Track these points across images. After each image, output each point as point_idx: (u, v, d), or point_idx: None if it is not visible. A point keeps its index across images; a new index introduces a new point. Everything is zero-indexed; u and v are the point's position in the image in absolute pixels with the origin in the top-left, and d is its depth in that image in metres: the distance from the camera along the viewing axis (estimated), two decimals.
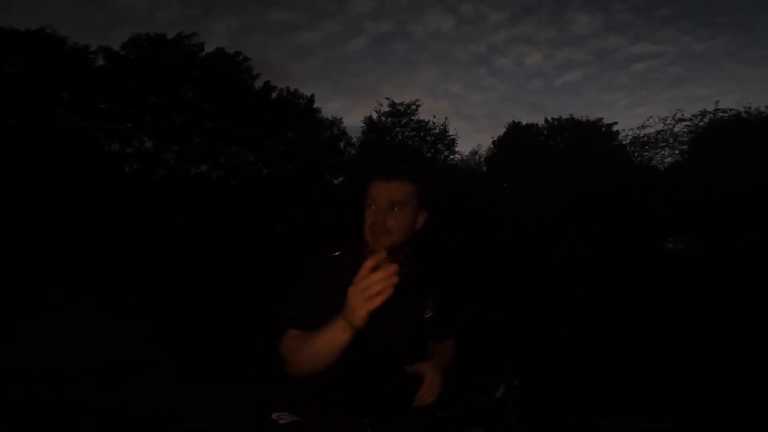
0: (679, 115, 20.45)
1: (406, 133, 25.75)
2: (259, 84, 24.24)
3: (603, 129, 25.08)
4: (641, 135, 21.30)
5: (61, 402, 4.13)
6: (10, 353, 5.75)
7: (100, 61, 22.07)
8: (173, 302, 11.57)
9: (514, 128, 26.72)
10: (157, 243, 18.68)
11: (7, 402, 4.03)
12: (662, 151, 21.25)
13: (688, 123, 20.34)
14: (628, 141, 22.12)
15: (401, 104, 25.50)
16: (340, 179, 24.84)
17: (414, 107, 25.54)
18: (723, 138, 18.19)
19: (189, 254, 18.17)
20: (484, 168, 26.69)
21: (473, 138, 49.37)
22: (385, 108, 25.48)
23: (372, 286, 1.04)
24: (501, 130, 28.70)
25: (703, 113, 20.08)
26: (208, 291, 14.17)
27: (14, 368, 5.20)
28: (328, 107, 58.35)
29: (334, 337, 1.14)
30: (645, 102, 46.21)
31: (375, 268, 1.05)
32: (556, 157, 22.78)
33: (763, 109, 19.57)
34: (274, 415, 1.40)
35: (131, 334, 7.44)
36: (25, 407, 3.94)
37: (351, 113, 50.65)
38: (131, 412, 3.95)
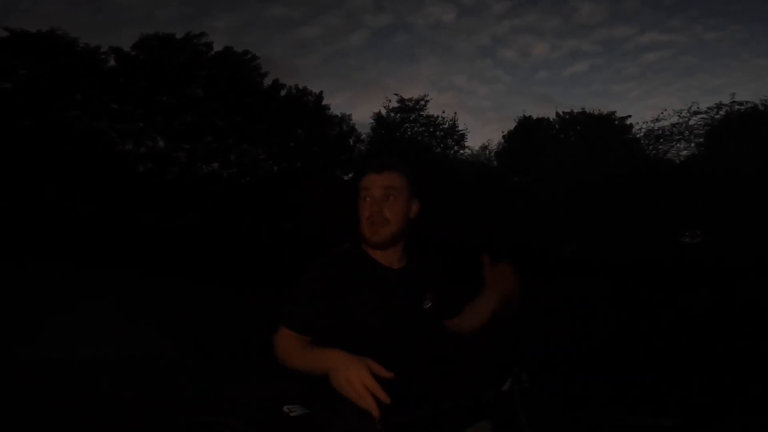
0: (694, 108, 20.13)
1: (415, 129, 25.68)
2: (267, 82, 24.41)
3: (616, 122, 24.71)
4: (656, 128, 21.00)
5: (79, 399, 4.22)
6: (28, 352, 5.88)
7: (111, 62, 22.37)
8: (187, 299, 11.72)
9: (525, 122, 26.46)
10: (170, 240, 18.92)
11: (26, 400, 4.12)
12: (678, 144, 20.94)
13: (703, 115, 20.00)
14: (642, 134, 21.83)
15: (410, 100, 25.46)
16: (350, 175, 24.89)
17: (423, 102, 25.47)
18: (739, 130, 17.84)
19: (201, 251, 18.38)
20: (495, 163, 26.51)
21: (481, 131, 49.12)
22: (394, 104, 25.48)
23: (359, 393, 1.12)
24: (509, 123, 28.56)
25: (719, 106, 19.75)
26: (221, 287, 14.32)
27: (33, 367, 5.32)
28: (332, 102, 58.13)
29: (315, 365, 1.23)
30: (657, 93, 45.48)
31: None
32: (568, 151, 22.55)
33: None
34: (285, 408, 1.43)
35: (146, 331, 7.56)
36: (44, 405, 4.03)
37: (355, 108, 50.73)
38: (147, 407, 4.02)
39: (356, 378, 1.12)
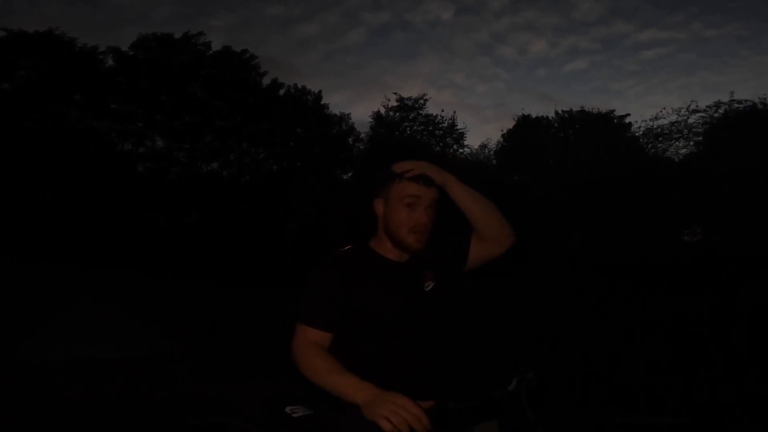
0: (693, 106, 20.14)
1: (415, 128, 25.69)
2: (266, 81, 24.38)
3: (615, 121, 24.73)
4: (655, 126, 21.02)
5: (82, 399, 4.20)
6: (30, 352, 5.86)
7: (110, 62, 22.33)
8: (189, 298, 11.72)
9: (524, 121, 26.47)
10: (171, 240, 18.91)
11: (28, 401, 4.11)
12: (676, 143, 20.95)
13: (702, 114, 20.01)
14: (641, 133, 21.85)
15: (409, 99, 25.47)
16: (349, 174, 24.90)
17: (422, 101, 25.48)
18: (738, 129, 17.85)
19: (203, 250, 18.37)
20: (494, 161, 26.52)
21: (480, 129, 48.91)
22: (393, 103, 25.49)
23: (405, 417, 1.10)
24: (508, 121, 28.52)
25: (718, 104, 19.75)
26: (223, 286, 14.32)
27: (34, 367, 5.30)
28: (331, 100, 57.95)
29: (345, 392, 1.22)
30: (656, 90, 45.43)
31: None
32: (568, 149, 22.56)
33: None
34: (287, 409, 1.41)
35: (149, 331, 7.56)
36: (45, 405, 4.02)
37: (354, 106, 50.61)
38: (150, 407, 4.01)
39: (395, 414, 1.11)
